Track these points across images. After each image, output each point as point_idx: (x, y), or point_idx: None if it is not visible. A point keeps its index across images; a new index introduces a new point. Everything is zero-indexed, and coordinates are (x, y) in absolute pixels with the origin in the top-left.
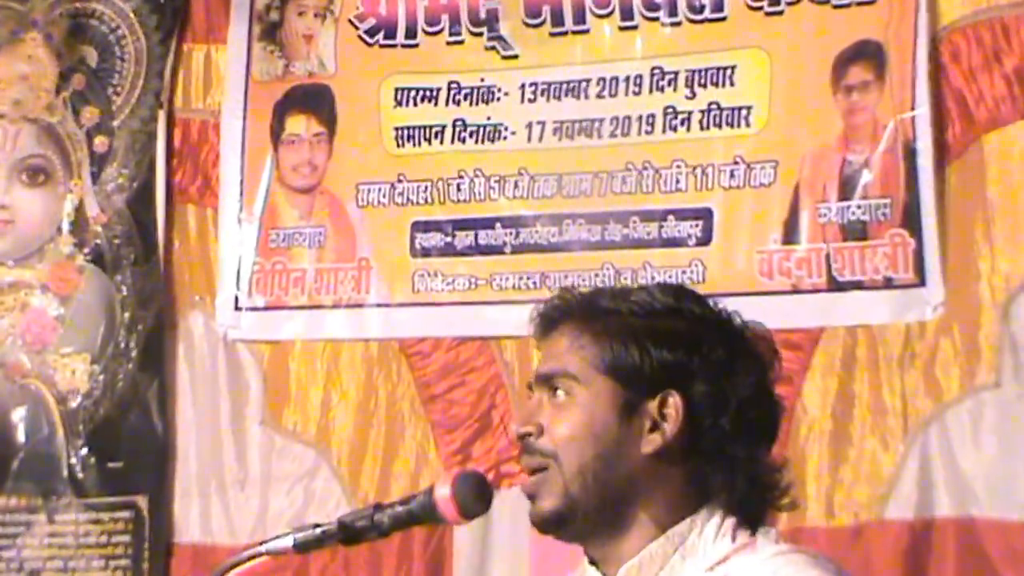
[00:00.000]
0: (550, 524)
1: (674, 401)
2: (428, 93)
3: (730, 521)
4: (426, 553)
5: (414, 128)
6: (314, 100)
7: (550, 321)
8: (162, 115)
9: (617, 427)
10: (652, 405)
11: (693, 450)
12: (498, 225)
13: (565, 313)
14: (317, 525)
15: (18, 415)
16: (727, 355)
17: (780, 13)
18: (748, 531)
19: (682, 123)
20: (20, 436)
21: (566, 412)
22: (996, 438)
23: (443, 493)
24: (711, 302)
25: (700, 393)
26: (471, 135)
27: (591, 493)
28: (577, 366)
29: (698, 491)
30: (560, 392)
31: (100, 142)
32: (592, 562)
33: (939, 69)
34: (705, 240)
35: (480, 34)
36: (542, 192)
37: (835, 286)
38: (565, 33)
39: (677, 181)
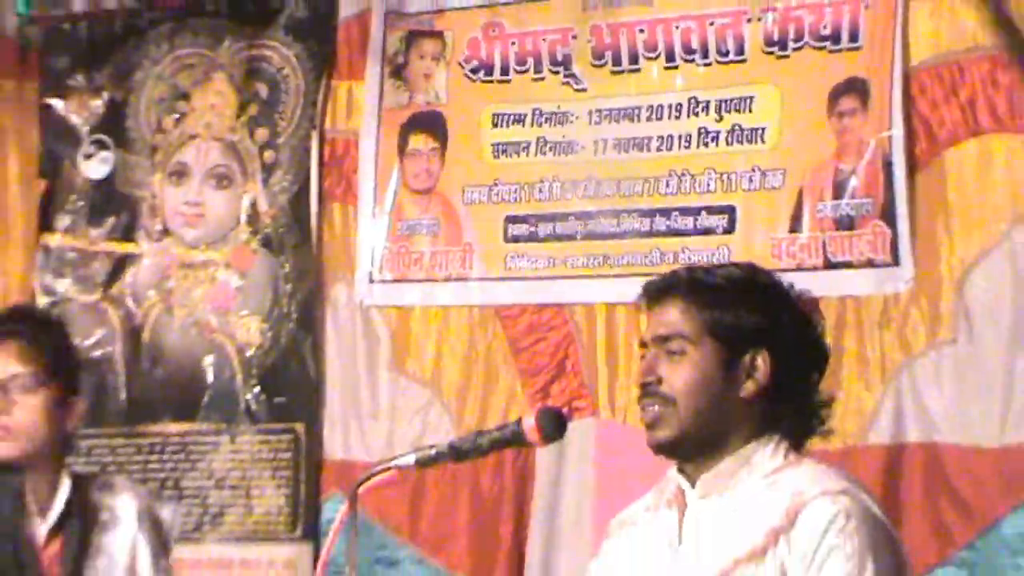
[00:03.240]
0: (664, 448)
1: (763, 357)
2: (518, 117)
3: (783, 444)
4: (515, 469)
5: (507, 144)
6: (431, 123)
7: (660, 293)
8: (315, 135)
9: (721, 379)
10: (746, 360)
11: (774, 393)
12: (571, 218)
13: (673, 287)
14: (432, 447)
15: (208, 361)
16: (797, 319)
17: (787, 56)
18: (795, 453)
19: (712, 140)
20: (209, 377)
21: (682, 367)
22: (953, 382)
23: (529, 423)
24: (776, 275)
25: (782, 349)
26: (551, 149)
27: (699, 428)
28: (690, 330)
29: (768, 423)
30: (675, 350)
31: (269, 155)
32: (680, 470)
33: (910, 100)
34: (730, 230)
35: (558, 72)
36: (604, 193)
37: (829, 266)
38: (623, 72)
39: (708, 185)
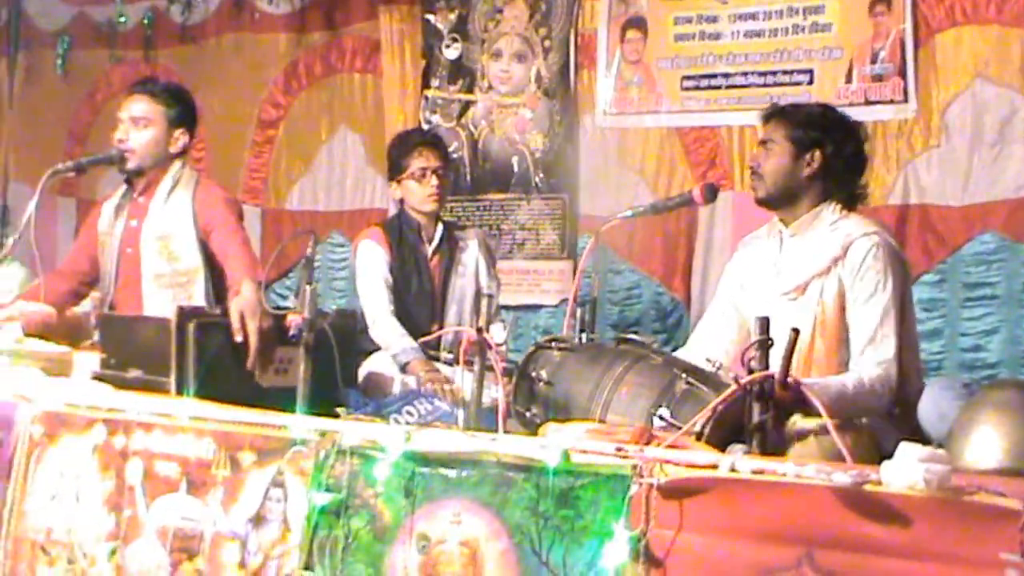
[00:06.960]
0: (761, 202)
1: (818, 154)
2: (688, 19)
3: (839, 206)
4: (687, 217)
5: (682, 34)
6: (639, 23)
7: (768, 116)
8: (572, 31)
9: (791, 165)
10: (807, 156)
11: (824, 176)
12: (719, 77)
13: (776, 113)
14: (641, 206)
15: (514, 160)
16: (843, 134)
17: None
18: (848, 211)
19: (800, 31)
20: (515, 168)
21: (772, 157)
22: (937, 169)
23: (696, 192)
24: (840, 110)
25: (829, 151)
26: (707, 37)
27: (777, 191)
28: (778, 137)
29: (826, 194)
30: (769, 148)
31: (547, 44)
32: (780, 219)
33: (916, 5)
34: (810, 83)
35: None
36: (738, 62)
37: (868, 103)
38: None
39: (798, 57)
